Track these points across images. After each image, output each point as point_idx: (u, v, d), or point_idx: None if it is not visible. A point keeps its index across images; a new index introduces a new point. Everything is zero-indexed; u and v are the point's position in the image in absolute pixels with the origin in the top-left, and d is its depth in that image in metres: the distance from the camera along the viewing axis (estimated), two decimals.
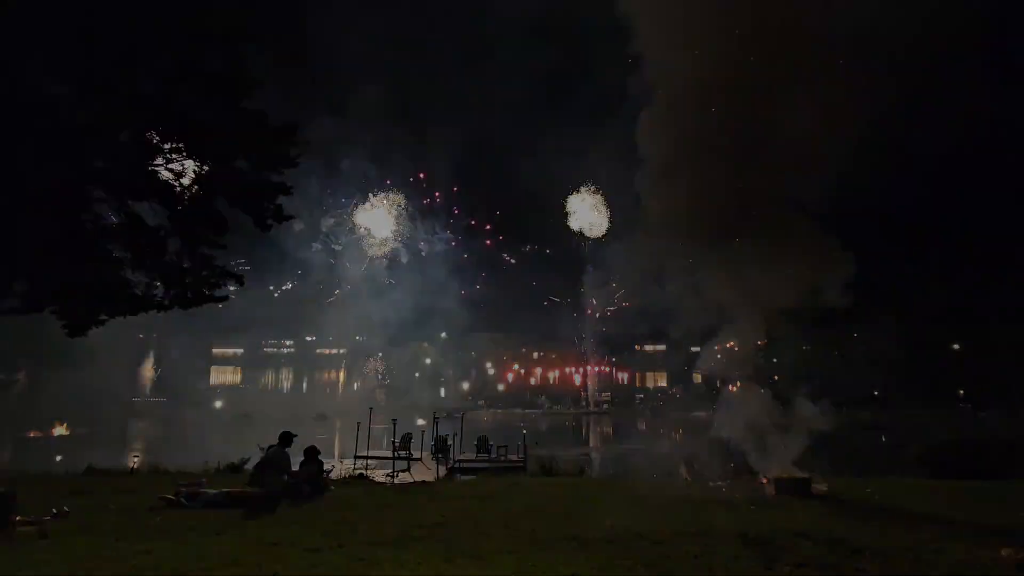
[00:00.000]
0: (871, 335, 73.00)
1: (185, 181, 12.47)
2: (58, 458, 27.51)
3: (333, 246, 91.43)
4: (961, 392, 72.20)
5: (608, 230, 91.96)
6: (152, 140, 11.99)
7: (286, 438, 10.24)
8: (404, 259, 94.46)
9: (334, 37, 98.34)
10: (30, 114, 10.29)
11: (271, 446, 10.12)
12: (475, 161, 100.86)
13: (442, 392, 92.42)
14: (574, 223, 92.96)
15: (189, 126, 11.83)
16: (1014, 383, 61.47)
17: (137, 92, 11.36)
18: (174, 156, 12.18)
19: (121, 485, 11.01)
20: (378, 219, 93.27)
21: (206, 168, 12.51)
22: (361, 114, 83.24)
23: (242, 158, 12.99)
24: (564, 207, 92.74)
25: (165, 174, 12.25)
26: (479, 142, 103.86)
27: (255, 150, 12.89)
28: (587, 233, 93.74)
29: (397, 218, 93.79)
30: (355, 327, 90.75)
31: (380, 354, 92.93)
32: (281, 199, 13.75)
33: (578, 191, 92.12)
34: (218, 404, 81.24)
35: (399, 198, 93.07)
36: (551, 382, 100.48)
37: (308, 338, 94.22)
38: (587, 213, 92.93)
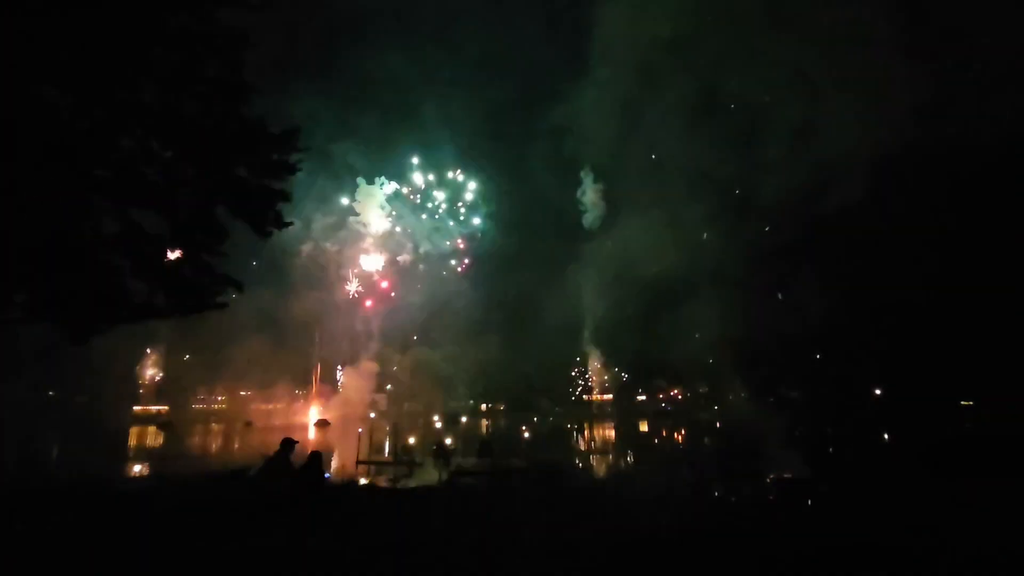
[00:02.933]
0: None
1: (185, 189, 12.45)
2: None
3: (327, 244, 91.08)
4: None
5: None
6: (152, 147, 11.98)
7: (288, 445, 10.18)
8: (406, 259, 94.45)
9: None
10: (29, 122, 10.29)
11: (273, 453, 10.06)
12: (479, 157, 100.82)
13: (444, 397, 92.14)
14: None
15: (189, 133, 11.83)
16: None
17: (137, 99, 11.37)
18: (174, 163, 12.17)
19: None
20: (377, 215, 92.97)
21: (206, 175, 12.49)
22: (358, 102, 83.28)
23: (242, 165, 12.98)
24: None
25: (165, 182, 12.23)
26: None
27: (255, 157, 12.88)
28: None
29: (397, 214, 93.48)
30: (356, 331, 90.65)
31: (381, 359, 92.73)
32: (280, 204, 13.72)
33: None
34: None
35: (395, 186, 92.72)
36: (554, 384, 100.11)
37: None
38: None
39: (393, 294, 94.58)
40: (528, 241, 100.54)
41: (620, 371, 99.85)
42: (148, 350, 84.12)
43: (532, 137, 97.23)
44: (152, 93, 11.58)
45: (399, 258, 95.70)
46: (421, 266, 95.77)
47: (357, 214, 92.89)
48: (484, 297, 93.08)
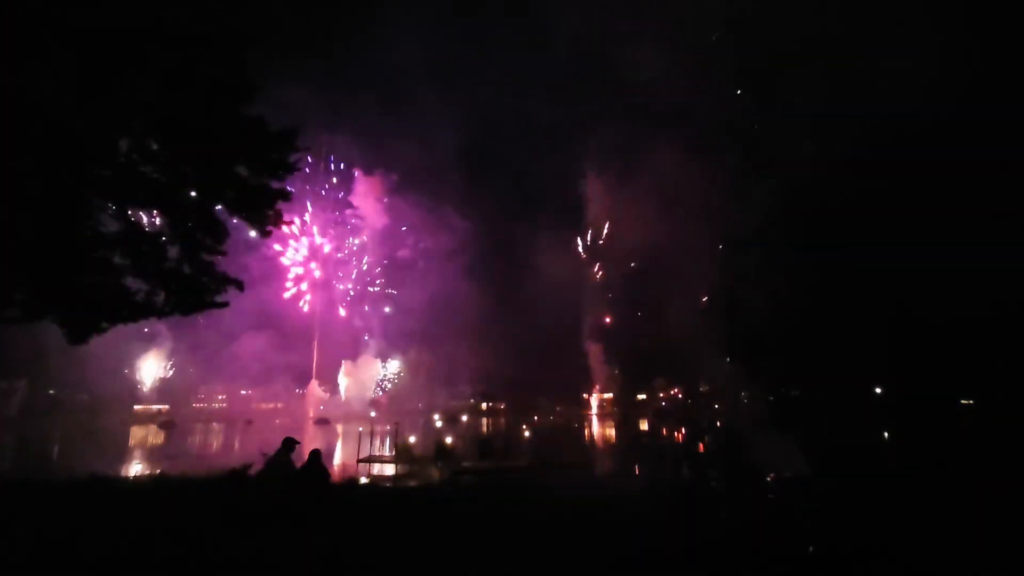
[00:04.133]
0: None
1: (185, 187, 12.44)
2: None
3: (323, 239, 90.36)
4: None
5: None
6: (151, 147, 11.96)
7: (289, 444, 10.13)
8: (406, 254, 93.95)
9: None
10: (28, 121, 10.28)
11: (275, 452, 10.02)
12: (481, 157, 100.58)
13: (445, 396, 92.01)
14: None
15: (189, 132, 11.81)
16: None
17: (136, 98, 11.35)
18: (174, 162, 12.15)
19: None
20: (372, 207, 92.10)
21: (206, 174, 12.48)
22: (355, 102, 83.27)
23: (242, 164, 12.96)
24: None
25: (165, 181, 12.22)
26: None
27: (254, 156, 12.87)
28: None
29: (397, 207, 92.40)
30: (357, 329, 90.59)
31: (381, 358, 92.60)
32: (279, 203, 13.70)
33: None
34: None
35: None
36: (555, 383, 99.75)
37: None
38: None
39: (394, 291, 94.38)
40: (528, 236, 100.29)
41: (620, 370, 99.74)
42: (149, 349, 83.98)
43: (535, 127, 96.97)
44: (151, 92, 11.56)
45: (398, 253, 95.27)
46: (420, 262, 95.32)
47: (353, 206, 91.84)
48: (485, 295, 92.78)
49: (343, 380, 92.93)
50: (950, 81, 68.13)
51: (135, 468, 26.07)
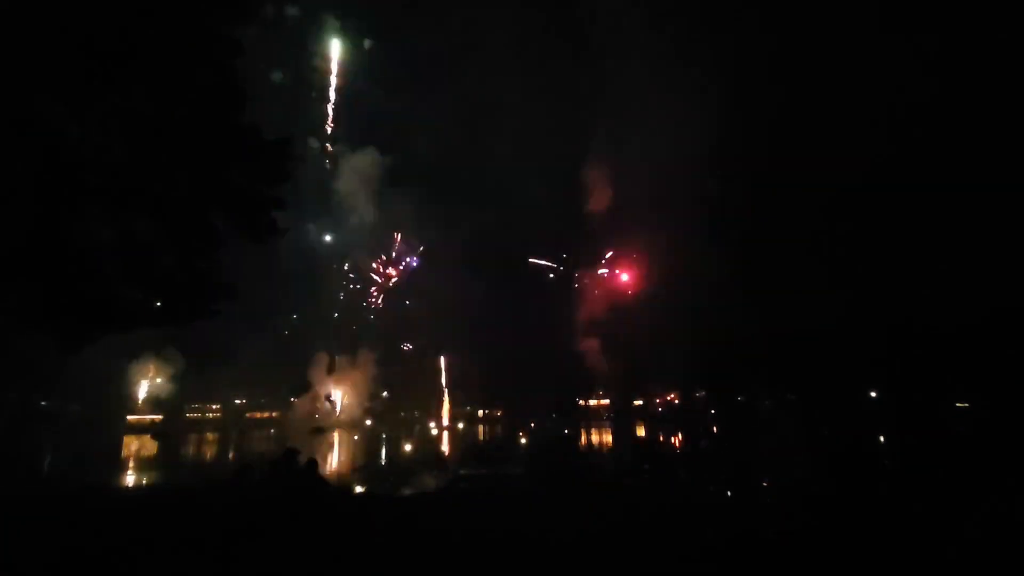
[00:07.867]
0: None
1: (178, 196, 12.38)
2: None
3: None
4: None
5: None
6: (145, 154, 11.92)
7: (290, 455, 9.97)
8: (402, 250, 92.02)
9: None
10: (19, 127, 10.22)
11: (275, 460, 9.90)
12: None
13: (441, 403, 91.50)
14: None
15: (181, 139, 11.79)
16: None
17: (129, 105, 11.32)
18: (167, 170, 12.10)
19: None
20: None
21: (199, 182, 12.44)
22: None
23: (235, 172, 12.94)
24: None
25: (158, 188, 12.16)
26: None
27: (248, 164, 12.85)
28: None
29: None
30: (352, 335, 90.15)
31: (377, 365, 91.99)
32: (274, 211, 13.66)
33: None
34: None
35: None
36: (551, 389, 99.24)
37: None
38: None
39: (382, 298, 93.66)
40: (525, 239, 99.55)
41: (616, 375, 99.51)
42: (142, 358, 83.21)
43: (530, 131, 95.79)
44: (144, 99, 11.54)
45: (394, 251, 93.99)
46: (415, 262, 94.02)
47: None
48: (485, 298, 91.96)
49: (338, 388, 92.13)
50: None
51: (129, 478, 25.80)
